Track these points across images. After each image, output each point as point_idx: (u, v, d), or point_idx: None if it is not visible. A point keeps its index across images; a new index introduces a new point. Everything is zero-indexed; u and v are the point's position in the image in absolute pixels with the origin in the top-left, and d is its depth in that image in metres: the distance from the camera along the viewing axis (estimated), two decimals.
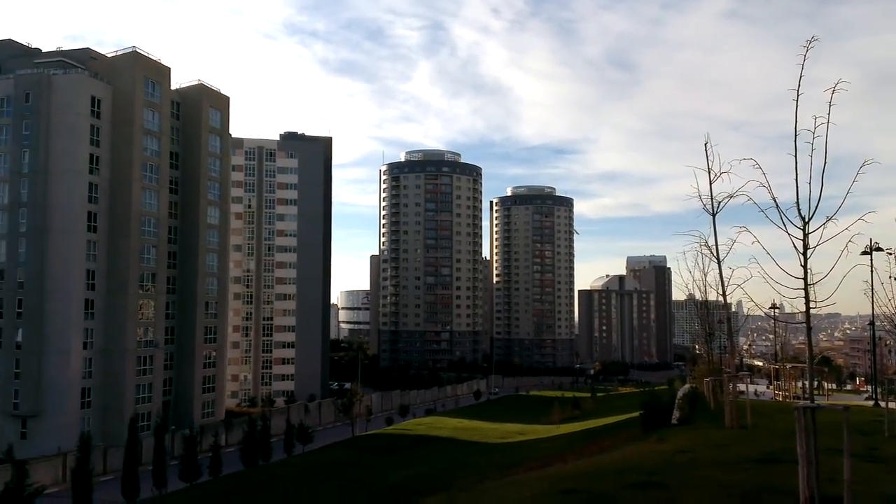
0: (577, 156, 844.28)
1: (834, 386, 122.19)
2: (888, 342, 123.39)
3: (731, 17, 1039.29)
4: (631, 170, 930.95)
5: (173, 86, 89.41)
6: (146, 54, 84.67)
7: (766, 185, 13.16)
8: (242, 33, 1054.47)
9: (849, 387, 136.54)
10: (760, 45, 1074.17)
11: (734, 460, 19.23)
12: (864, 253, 30.97)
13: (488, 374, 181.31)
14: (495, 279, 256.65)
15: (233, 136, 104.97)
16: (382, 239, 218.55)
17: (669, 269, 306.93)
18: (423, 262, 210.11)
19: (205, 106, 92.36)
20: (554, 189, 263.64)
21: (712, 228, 22.83)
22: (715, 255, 24.03)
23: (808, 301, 12.68)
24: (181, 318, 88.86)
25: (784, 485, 14.81)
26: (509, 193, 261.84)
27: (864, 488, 13.88)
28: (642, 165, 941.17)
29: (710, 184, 20.61)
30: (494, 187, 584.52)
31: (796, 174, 12.41)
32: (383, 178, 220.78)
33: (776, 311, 53.40)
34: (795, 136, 12.38)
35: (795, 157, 12.38)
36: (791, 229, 12.63)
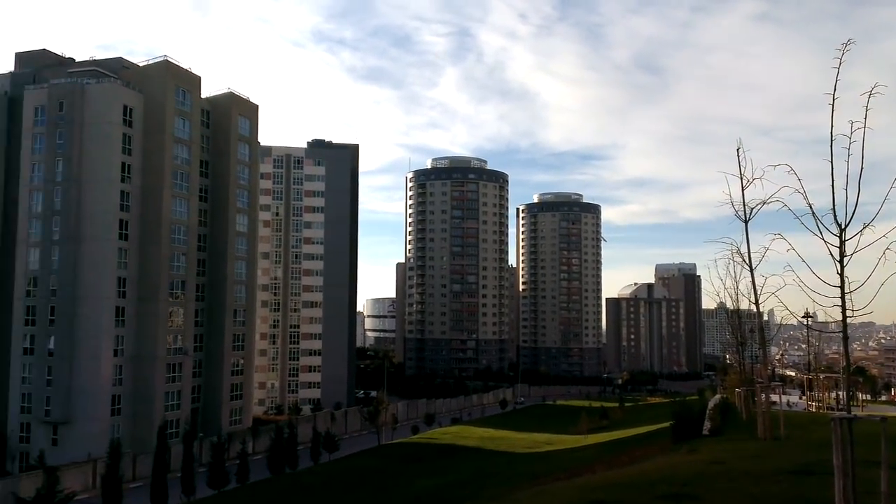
0: (605, 162, 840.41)
1: (868, 397, 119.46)
2: None
3: (761, 20, 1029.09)
4: (660, 175, 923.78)
5: (203, 94, 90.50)
6: (177, 63, 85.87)
7: (802, 191, 12.91)
8: (271, 42, 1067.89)
9: (883, 397, 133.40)
10: (792, 48, 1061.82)
11: (768, 472, 18.81)
12: None
13: (514, 382, 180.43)
14: (521, 287, 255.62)
15: (261, 143, 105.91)
16: (409, 246, 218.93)
17: (699, 276, 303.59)
18: (449, 270, 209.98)
19: (234, 114, 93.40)
20: (581, 196, 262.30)
21: (745, 235, 22.48)
22: (747, 262, 23.65)
23: (844, 310, 12.38)
24: (210, 326, 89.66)
25: (819, 497, 14.48)
26: (536, 200, 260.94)
27: None
28: (671, 171, 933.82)
29: (743, 190, 20.31)
30: (521, 194, 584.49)
31: (832, 180, 12.15)
32: (410, 185, 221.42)
33: (809, 319, 52.38)
34: (832, 140, 12.12)
35: (832, 162, 12.12)
36: (827, 236, 12.35)
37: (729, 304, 39.61)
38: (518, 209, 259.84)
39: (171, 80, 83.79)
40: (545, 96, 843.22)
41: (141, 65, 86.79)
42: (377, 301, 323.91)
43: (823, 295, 12.65)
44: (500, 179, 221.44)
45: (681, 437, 33.20)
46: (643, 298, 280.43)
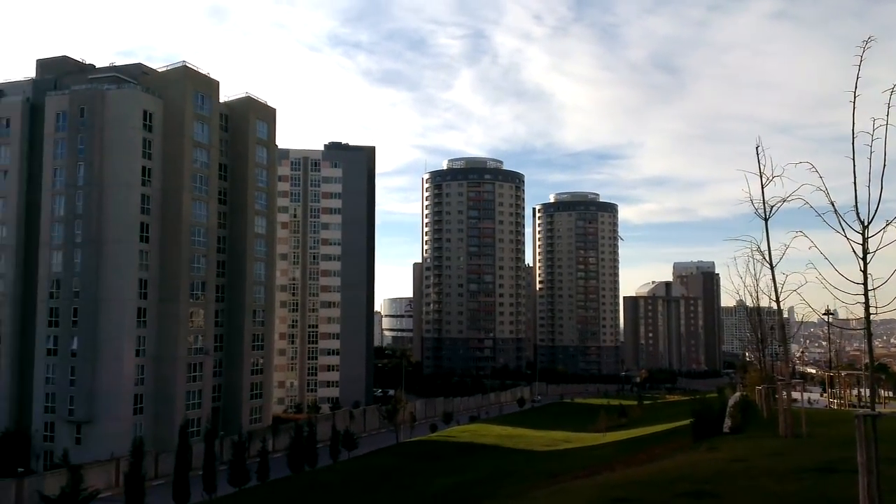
0: (622, 161, 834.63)
1: (890, 394, 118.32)
2: None
3: (778, 18, 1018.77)
4: (677, 174, 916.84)
5: (221, 99, 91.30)
6: (195, 68, 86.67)
7: (824, 188, 12.95)
8: (287, 46, 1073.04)
9: None
10: (810, 46, 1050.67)
11: (790, 470, 18.79)
12: None
13: (532, 381, 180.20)
14: (538, 286, 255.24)
15: (279, 146, 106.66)
16: (425, 247, 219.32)
17: (718, 274, 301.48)
18: (465, 270, 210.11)
19: (252, 118, 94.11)
20: (598, 195, 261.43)
21: (764, 233, 22.45)
22: (768, 260, 23.62)
23: (867, 307, 12.40)
24: (229, 326, 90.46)
25: (843, 495, 14.45)
26: (552, 200, 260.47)
27: None
28: (689, 169, 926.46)
29: (763, 188, 20.32)
30: (537, 194, 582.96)
31: (854, 177, 12.18)
32: (426, 186, 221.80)
33: (830, 316, 52.01)
34: (853, 138, 12.15)
35: (853, 159, 12.15)
36: (849, 233, 12.39)
37: (749, 302, 39.45)
38: (534, 209, 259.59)
39: (189, 85, 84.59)
40: (560, 97, 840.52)
41: (160, 70, 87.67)
42: (394, 301, 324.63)
43: (846, 292, 12.69)
44: (515, 179, 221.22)
45: (701, 434, 33.14)
46: (661, 297, 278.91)
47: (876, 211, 12.11)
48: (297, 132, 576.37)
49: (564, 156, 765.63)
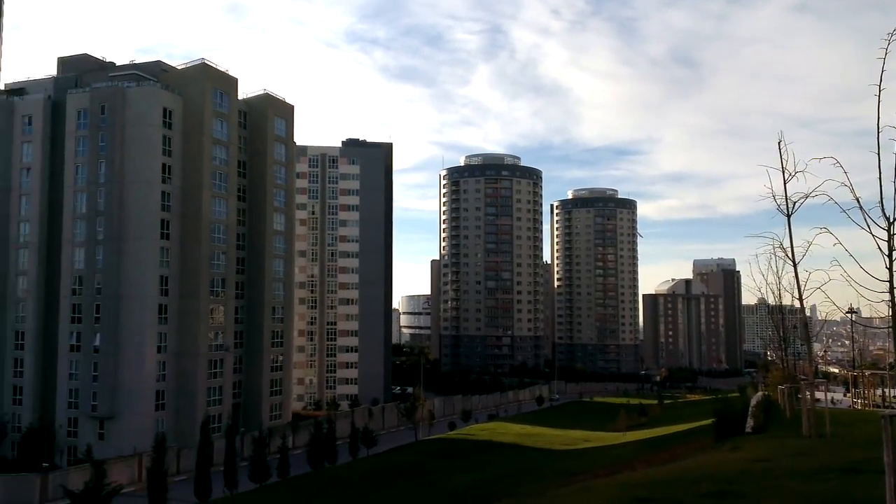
0: (641, 157, 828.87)
1: None
2: None
3: (800, 11, 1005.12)
4: (697, 170, 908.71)
5: (240, 96, 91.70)
6: (214, 66, 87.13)
7: (848, 184, 12.73)
8: (305, 43, 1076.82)
9: None
10: (832, 39, 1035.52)
11: (814, 470, 18.54)
12: None
13: (550, 379, 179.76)
14: (556, 283, 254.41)
15: (297, 143, 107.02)
16: (443, 244, 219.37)
17: (739, 272, 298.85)
18: (483, 267, 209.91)
19: (270, 115, 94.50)
20: (616, 191, 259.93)
21: (787, 230, 22.15)
22: (790, 257, 23.28)
23: (894, 305, 12.17)
24: (249, 323, 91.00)
25: (868, 496, 14.24)
26: (570, 196, 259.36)
27: None
28: (709, 165, 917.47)
29: (785, 184, 20.03)
30: (555, 190, 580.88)
31: (879, 172, 11.98)
32: (443, 182, 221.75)
33: (854, 315, 51.31)
34: (878, 132, 11.95)
35: (879, 154, 11.95)
36: (874, 230, 12.18)
37: (771, 300, 38.99)
38: (552, 205, 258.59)
39: (208, 82, 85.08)
40: (578, 92, 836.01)
41: (179, 68, 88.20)
42: (412, 298, 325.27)
43: (870, 289, 12.50)
44: (533, 176, 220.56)
45: (723, 434, 32.84)
46: (681, 294, 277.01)
47: None
48: (315, 129, 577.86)
49: (582, 151, 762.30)
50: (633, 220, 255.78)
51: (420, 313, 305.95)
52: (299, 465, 61.45)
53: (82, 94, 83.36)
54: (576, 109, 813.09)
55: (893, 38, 12.02)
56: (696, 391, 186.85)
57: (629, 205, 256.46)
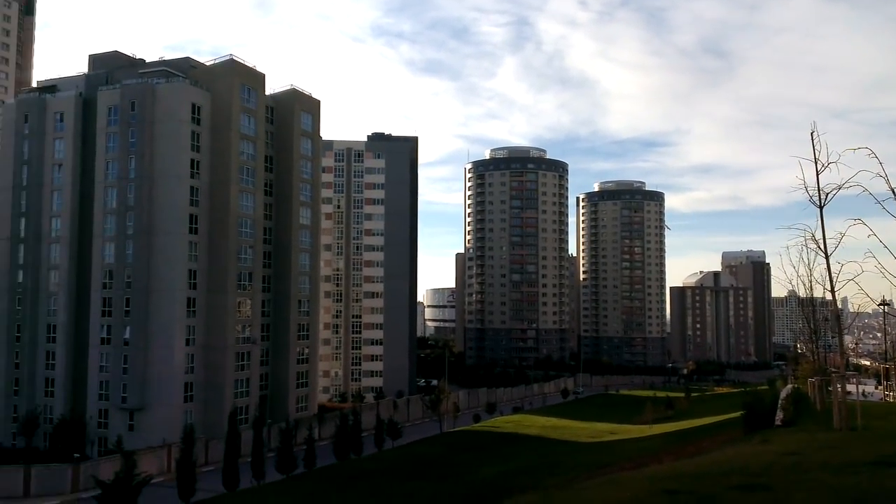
0: (669, 148, 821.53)
1: None
2: None
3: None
4: (726, 161, 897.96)
5: (267, 91, 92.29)
6: (242, 62, 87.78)
7: (883, 174, 12.48)
8: (331, 37, 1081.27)
9: None
10: (866, 28, 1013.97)
11: (846, 463, 18.23)
12: None
13: (576, 372, 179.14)
14: (582, 276, 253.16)
15: (323, 138, 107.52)
16: (468, 237, 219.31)
17: (768, 264, 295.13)
18: (508, 260, 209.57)
19: (297, 110, 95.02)
20: (643, 183, 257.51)
21: (819, 221, 21.76)
22: (822, 249, 22.88)
23: None
24: (276, 316, 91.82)
25: None
26: (596, 189, 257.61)
27: None
28: (739, 156, 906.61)
29: (818, 175, 19.66)
30: (581, 183, 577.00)
31: None
32: (468, 175, 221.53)
33: (886, 307, 50.41)
34: None
35: None
36: None
37: (801, 293, 38.42)
38: (578, 198, 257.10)
39: (236, 78, 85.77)
40: (606, 83, 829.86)
41: (208, 64, 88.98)
42: (437, 291, 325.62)
43: None
44: (559, 168, 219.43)
45: (752, 427, 32.44)
46: (709, 287, 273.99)
47: None
48: (341, 123, 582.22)
49: (609, 143, 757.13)
50: (661, 213, 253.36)
51: (445, 306, 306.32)
52: (325, 456, 61.92)
53: (113, 91, 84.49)
54: (603, 101, 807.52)
55: None
56: (724, 384, 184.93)
57: (657, 197, 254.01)
